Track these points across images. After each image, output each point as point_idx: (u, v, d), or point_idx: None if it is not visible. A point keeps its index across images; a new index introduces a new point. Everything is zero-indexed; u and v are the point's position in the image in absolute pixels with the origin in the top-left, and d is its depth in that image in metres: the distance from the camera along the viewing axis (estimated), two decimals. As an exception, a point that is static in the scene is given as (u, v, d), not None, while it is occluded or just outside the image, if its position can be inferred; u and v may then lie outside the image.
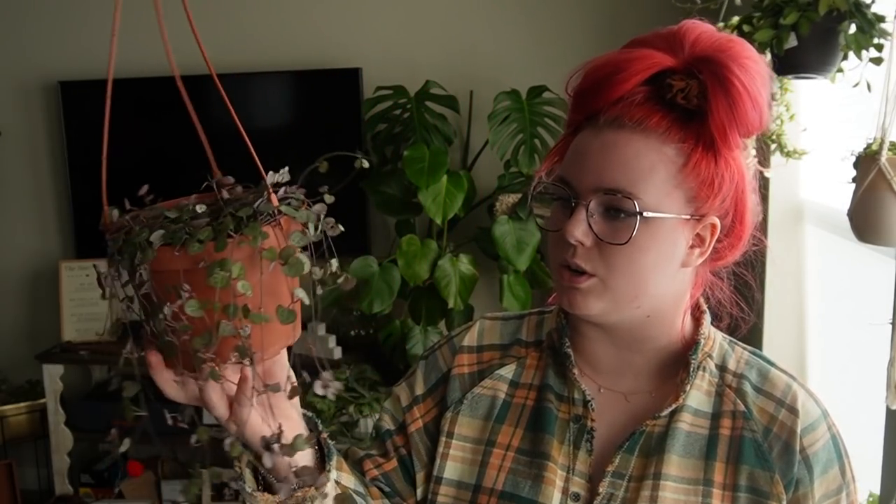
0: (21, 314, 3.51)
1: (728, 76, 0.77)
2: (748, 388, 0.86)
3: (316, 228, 0.69)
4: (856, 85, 1.49)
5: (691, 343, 0.87)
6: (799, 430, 0.83)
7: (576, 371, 0.87)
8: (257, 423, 0.73)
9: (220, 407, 0.73)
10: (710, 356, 0.87)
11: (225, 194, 0.71)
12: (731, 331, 0.93)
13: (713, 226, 0.82)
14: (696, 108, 0.79)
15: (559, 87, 3.11)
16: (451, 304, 2.72)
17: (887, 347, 1.43)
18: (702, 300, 0.90)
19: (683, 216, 0.80)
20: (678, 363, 0.87)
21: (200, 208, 0.68)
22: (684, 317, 0.88)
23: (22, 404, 3.19)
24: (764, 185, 2.55)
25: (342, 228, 0.71)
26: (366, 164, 0.78)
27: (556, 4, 2.98)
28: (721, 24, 2.09)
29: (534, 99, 2.78)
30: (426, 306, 2.81)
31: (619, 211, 0.78)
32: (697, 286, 0.88)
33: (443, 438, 0.90)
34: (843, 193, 1.49)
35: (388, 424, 0.95)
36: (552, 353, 0.90)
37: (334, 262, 0.69)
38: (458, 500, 0.88)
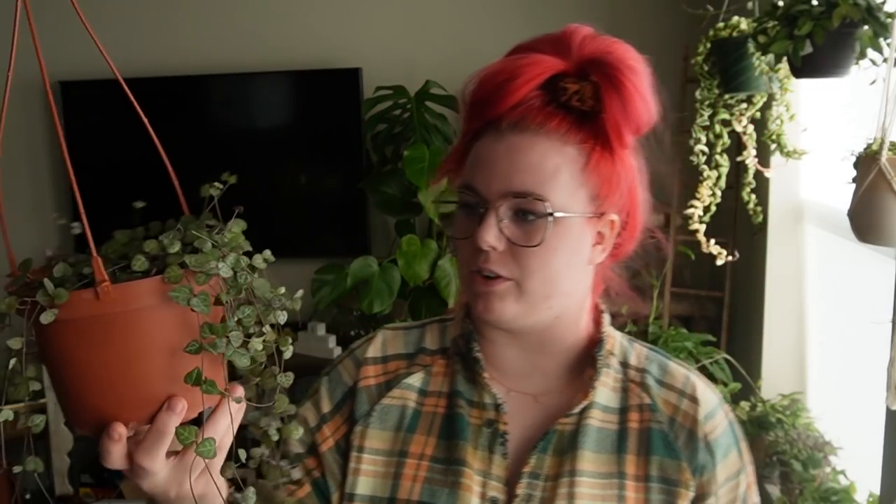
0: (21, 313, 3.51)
1: (619, 77, 0.81)
2: (651, 381, 0.89)
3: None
4: (873, 83, 1.49)
5: (595, 341, 0.90)
6: (700, 418, 0.87)
7: (486, 375, 0.88)
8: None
9: (113, 460, 0.68)
10: (612, 353, 0.90)
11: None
12: (629, 325, 0.95)
13: (612, 222, 0.86)
14: (590, 110, 0.82)
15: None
16: (451, 305, 2.72)
17: (887, 347, 1.43)
18: (599, 300, 0.94)
19: (587, 215, 0.83)
20: (583, 362, 0.89)
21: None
22: (588, 316, 0.91)
23: (22, 404, 3.19)
24: (764, 185, 2.57)
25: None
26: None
27: (556, 4, 2.98)
28: (721, 24, 2.09)
29: (534, 99, 2.78)
30: (426, 306, 2.81)
31: (529, 213, 0.80)
32: (598, 284, 0.91)
33: (353, 454, 0.88)
34: (843, 193, 1.49)
35: (297, 448, 0.91)
36: (460, 360, 0.90)
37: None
38: None
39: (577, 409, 0.86)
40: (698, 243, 2.25)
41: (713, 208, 2.26)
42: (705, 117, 2.21)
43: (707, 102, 2.20)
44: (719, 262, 2.24)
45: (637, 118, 0.83)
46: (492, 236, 0.79)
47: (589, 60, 0.82)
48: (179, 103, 3.20)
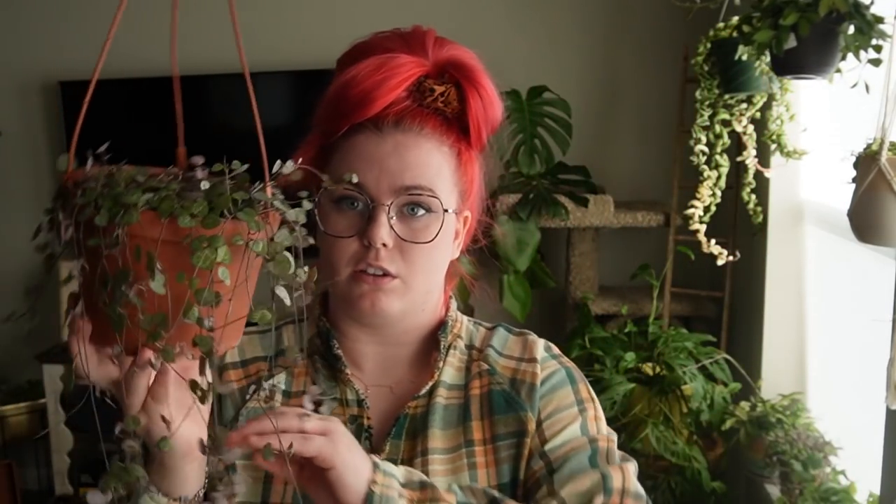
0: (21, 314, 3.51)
1: (479, 80, 0.85)
2: (491, 352, 0.92)
3: (291, 231, 0.67)
4: (854, 86, 1.49)
5: (439, 326, 0.92)
6: (539, 372, 0.89)
7: (348, 372, 0.88)
8: (188, 424, 0.71)
9: (139, 395, 0.72)
10: (459, 337, 0.93)
11: (200, 175, 0.70)
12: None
13: (466, 218, 0.90)
14: (452, 112, 0.85)
15: (559, 87, 3.11)
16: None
17: (887, 347, 1.43)
18: (450, 293, 0.96)
19: (457, 212, 0.87)
20: (430, 348, 0.92)
21: (190, 182, 0.67)
22: (441, 307, 0.93)
23: (22, 404, 3.19)
24: (764, 185, 2.57)
25: (312, 240, 0.69)
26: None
27: (556, 4, 2.98)
28: (721, 25, 2.09)
29: (534, 99, 2.77)
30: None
31: (418, 209, 0.82)
32: (450, 277, 0.94)
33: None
34: (843, 193, 1.49)
35: None
36: (319, 359, 0.90)
37: (314, 271, 0.67)
38: None
39: (423, 391, 0.88)
40: (698, 243, 2.25)
41: (713, 208, 2.27)
42: (705, 117, 2.21)
43: (707, 102, 2.20)
44: (719, 262, 2.24)
45: (494, 119, 0.87)
46: (385, 234, 0.80)
47: (447, 62, 0.84)
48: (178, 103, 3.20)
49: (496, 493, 0.81)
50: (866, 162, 1.37)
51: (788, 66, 1.64)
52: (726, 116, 2.20)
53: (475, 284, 0.98)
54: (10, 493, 3.04)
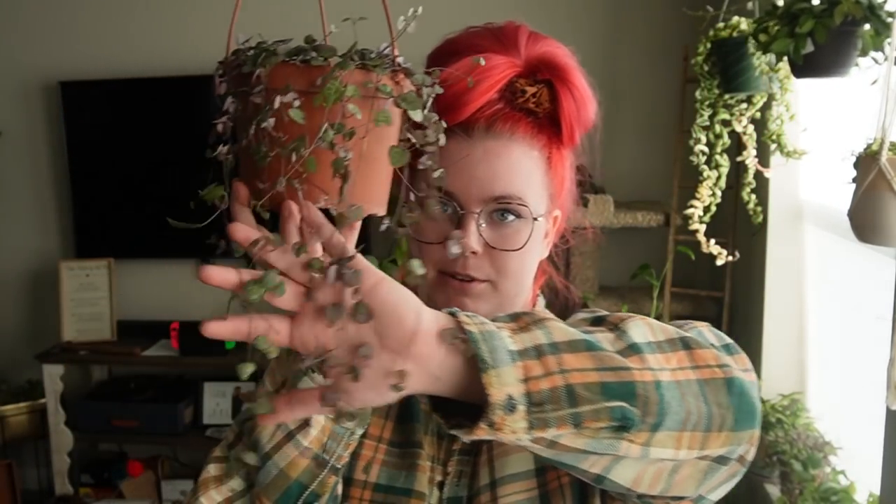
0: (21, 314, 3.51)
1: (571, 79, 0.83)
2: None
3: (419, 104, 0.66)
4: (874, 83, 1.49)
5: None
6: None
7: None
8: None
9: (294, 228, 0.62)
10: None
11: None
12: (564, 310, 0.97)
13: (556, 218, 0.89)
14: (544, 112, 0.83)
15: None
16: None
17: (887, 347, 1.43)
18: (538, 291, 0.95)
19: (547, 214, 0.85)
20: None
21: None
22: (529, 305, 0.93)
23: (22, 404, 3.19)
24: (764, 185, 2.56)
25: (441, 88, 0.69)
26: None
27: (556, 4, 2.98)
28: (721, 25, 2.09)
29: (534, 99, 2.78)
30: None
31: (507, 215, 0.81)
32: (539, 275, 0.93)
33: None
34: (843, 193, 1.49)
35: None
36: None
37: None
38: None
39: None
40: (698, 243, 2.25)
41: (713, 208, 2.26)
42: (705, 117, 2.21)
43: (707, 102, 2.20)
44: (719, 262, 2.24)
45: (587, 118, 0.85)
46: (474, 242, 0.80)
47: (538, 60, 0.83)
48: (179, 103, 3.20)
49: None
50: (866, 162, 1.37)
51: (807, 69, 1.64)
52: (726, 116, 2.20)
53: (566, 284, 0.96)
54: (10, 493, 3.04)
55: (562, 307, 0.97)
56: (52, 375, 3.10)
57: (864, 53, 1.53)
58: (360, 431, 0.76)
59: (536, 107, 0.82)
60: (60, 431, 3.11)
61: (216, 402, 3.22)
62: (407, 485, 0.84)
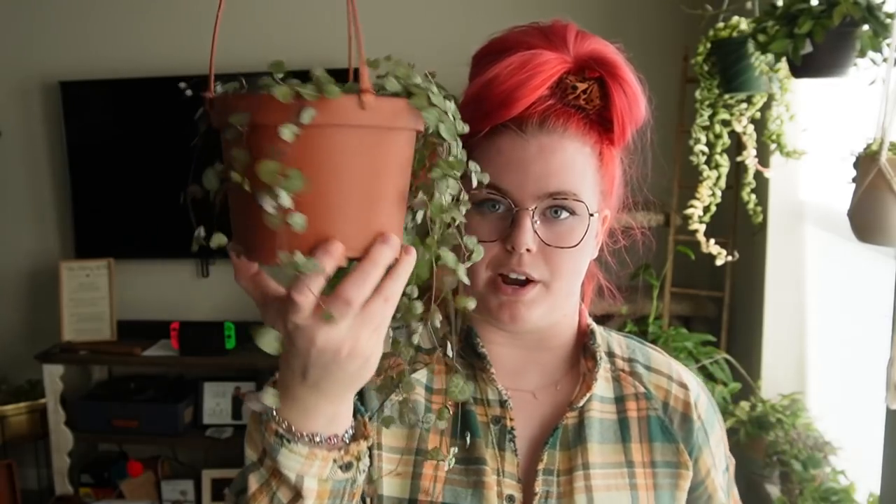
0: (21, 314, 3.51)
1: (622, 75, 0.81)
2: (641, 369, 0.91)
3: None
4: (872, 83, 1.49)
5: (584, 333, 0.91)
6: (691, 402, 0.90)
7: (493, 371, 0.86)
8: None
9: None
10: (599, 344, 0.91)
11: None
12: (629, 324, 0.97)
13: (605, 217, 0.87)
14: (594, 109, 0.82)
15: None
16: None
17: (887, 347, 1.43)
18: (590, 295, 0.96)
19: (598, 212, 0.84)
20: (576, 354, 0.91)
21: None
22: (582, 309, 0.92)
23: (22, 404, 3.19)
24: (764, 185, 2.56)
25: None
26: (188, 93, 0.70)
27: (556, 4, 2.98)
28: (721, 25, 2.09)
29: (534, 99, 2.78)
30: (426, 306, 2.80)
31: (562, 212, 0.80)
32: (589, 279, 0.93)
33: (374, 451, 0.84)
34: (843, 193, 1.49)
35: None
36: (457, 358, 0.88)
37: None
38: None
39: (581, 403, 0.86)
40: (698, 243, 2.25)
41: (713, 208, 2.26)
42: (705, 117, 2.20)
43: (707, 102, 2.20)
44: (719, 262, 2.24)
45: (639, 116, 0.84)
46: (529, 239, 0.78)
47: (589, 57, 0.81)
48: (179, 103, 3.20)
49: None
50: (866, 162, 1.36)
51: (805, 69, 1.64)
52: (726, 116, 2.20)
53: (611, 286, 0.96)
54: (10, 493, 3.04)
55: (606, 313, 0.98)
56: (52, 375, 3.10)
57: (862, 54, 1.53)
58: (361, 477, 0.69)
59: (587, 103, 0.81)
60: (60, 431, 3.11)
61: (216, 402, 3.22)
62: (474, 502, 0.82)
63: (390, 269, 0.59)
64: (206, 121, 0.61)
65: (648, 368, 0.91)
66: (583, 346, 0.91)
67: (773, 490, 2.08)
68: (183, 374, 3.33)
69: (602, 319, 2.78)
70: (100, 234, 3.32)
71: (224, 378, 3.23)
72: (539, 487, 0.83)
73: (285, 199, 0.54)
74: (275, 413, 0.64)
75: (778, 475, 2.07)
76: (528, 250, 0.79)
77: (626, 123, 0.83)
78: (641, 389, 0.89)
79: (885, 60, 1.48)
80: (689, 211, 2.24)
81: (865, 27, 1.51)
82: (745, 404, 2.22)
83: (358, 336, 0.59)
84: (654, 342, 2.37)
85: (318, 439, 0.64)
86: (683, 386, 0.91)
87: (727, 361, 2.34)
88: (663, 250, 2.65)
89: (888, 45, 1.45)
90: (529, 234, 0.78)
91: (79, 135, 3.24)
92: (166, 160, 3.20)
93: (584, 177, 0.81)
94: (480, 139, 0.80)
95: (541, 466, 0.84)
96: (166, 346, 3.17)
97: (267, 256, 0.57)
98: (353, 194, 0.56)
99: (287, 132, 0.54)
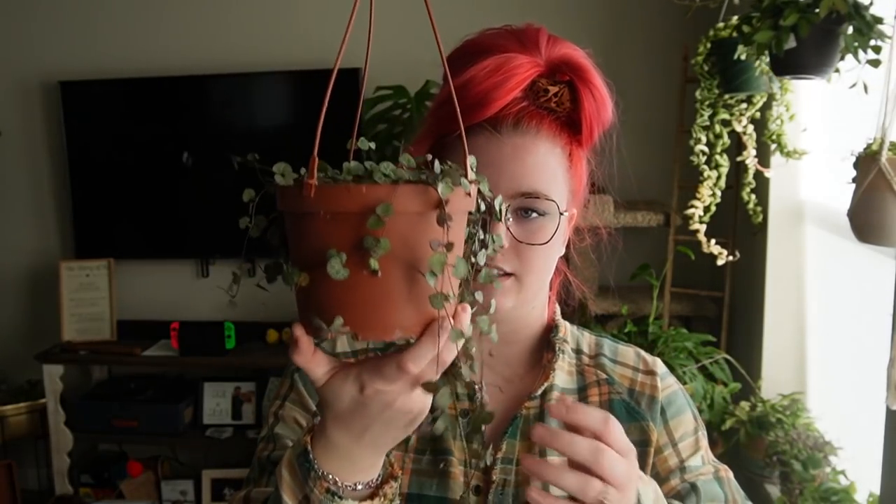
0: (21, 314, 3.51)
1: (591, 80, 0.85)
2: (605, 360, 0.94)
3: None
4: (853, 86, 1.49)
5: (550, 328, 0.95)
6: (658, 384, 0.92)
7: (460, 366, 0.87)
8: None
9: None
10: (565, 340, 0.95)
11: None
12: (580, 310, 0.98)
13: (572, 216, 0.91)
14: (564, 111, 0.85)
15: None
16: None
17: (887, 347, 1.43)
18: (556, 290, 0.98)
19: (567, 209, 0.87)
20: (541, 348, 0.94)
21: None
22: (548, 304, 0.95)
23: (22, 404, 3.19)
24: (764, 185, 2.56)
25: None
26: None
27: (556, 4, 2.98)
28: (721, 25, 2.09)
29: (534, 99, 2.78)
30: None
31: (533, 211, 0.83)
32: (556, 275, 0.96)
33: None
34: (843, 193, 1.49)
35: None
36: None
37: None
38: None
39: (538, 392, 0.89)
40: (698, 243, 2.25)
41: (713, 208, 2.26)
42: (705, 117, 2.21)
43: (707, 102, 2.20)
44: (719, 262, 2.24)
45: (606, 118, 0.87)
46: (503, 235, 0.81)
47: (560, 61, 0.84)
48: (179, 103, 3.20)
49: None
50: (866, 162, 1.37)
51: (788, 66, 1.64)
52: (726, 116, 2.20)
53: (578, 283, 0.99)
54: (10, 493, 3.05)
55: (576, 308, 0.99)
56: (52, 375, 3.10)
57: (845, 53, 1.53)
58: None
59: (558, 106, 0.84)
60: (60, 431, 3.11)
61: (216, 402, 3.22)
62: (439, 492, 0.85)
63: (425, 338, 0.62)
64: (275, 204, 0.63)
65: (614, 361, 0.94)
66: (546, 339, 0.94)
67: (773, 490, 2.08)
68: (183, 374, 3.33)
69: (603, 319, 2.79)
70: (100, 234, 3.32)
71: (224, 378, 3.23)
72: (497, 476, 0.86)
73: (444, 281, 0.58)
74: (317, 467, 0.67)
75: (778, 475, 2.07)
76: (500, 246, 0.80)
77: (594, 126, 0.86)
78: (604, 376, 0.92)
79: (870, 63, 1.48)
80: (689, 211, 2.24)
81: (850, 30, 1.50)
82: (745, 404, 2.22)
83: (423, 397, 0.64)
84: (654, 342, 2.38)
85: (359, 487, 0.68)
86: (650, 373, 0.93)
87: (727, 361, 2.34)
88: (663, 250, 2.65)
89: (877, 47, 1.45)
90: (502, 230, 0.81)
91: (79, 135, 3.24)
92: (166, 160, 3.20)
93: (556, 177, 0.84)
94: (454, 138, 0.83)
95: (499, 455, 0.87)
96: (166, 346, 3.17)
97: (384, 332, 0.60)
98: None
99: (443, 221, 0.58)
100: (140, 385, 3.26)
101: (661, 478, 0.89)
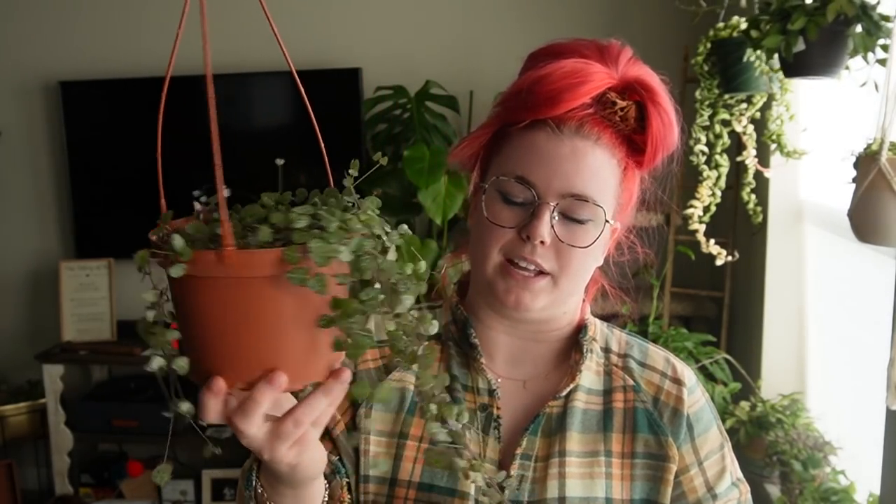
0: (21, 314, 3.51)
1: (662, 103, 0.87)
2: (633, 364, 0.94)
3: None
4: (863, 85, 1.49)
5: (579, 328, 0.95)
6: (684, 397, 0.91)
7: (483, 361, 0.91)
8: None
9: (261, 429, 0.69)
10: (594, 339, 0.95)
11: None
12: (629, 325, 0.99)
13: (615, 229, 0.91)
14: (627, 128, 0.87)
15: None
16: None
17: (887, 347, 1.43)
18: (592, 297, 0.99)
19: (613, 220, 0.89)
20: (569, 347, 0.94)
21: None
22: (584, 306, 0.96)
23: (22, 404, 3.19)
24: (764, 185, 2.56)
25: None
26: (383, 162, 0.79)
27: (556, 4, 2.98)
28: (721, 25, 2.09)
29: (534, 99, 2.77)
30: (426, 306, 2.80)
31: (580, 216, 0.84)
32: (592, 283, 0.96)
33: (361, 436, 0.90)
34: (843, 193, 1.49)
35: None
36: (454, 345, 0.94)
37: (452, 258, 0.68)
38: (377, 495, 0.89)
39: (564, 392, 0.90)
40: (698, 243, 2.25)
41: (713, 208, 2.26)
42: (705, 117, 2.21)
43: (707, 102, 2.20)
44: (719, 262, 2.24)
45: (671, 143, 0.89)
46: (545, 232, 0.82)
47: (635, 80, 0.86)
48: (179, 103, 3.20)
49: None
50: (866, 162, 1.37)
51: (797, 68, 1.65)
52: (726, 116, 2.20)
53: (616, 292, 1.00)
54: (10, 493, 3.04)
55: (610, 313, 1.01)
56: (52, 375, 3.10)
57: (854, 54, 1.53)
58: None
59: (623, 121, 0.86)
60: (60, 431, 3.11)
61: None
62: (450, 484, 0.87)
63: (315, 393, 0.66)
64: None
65: (642, 365, 0.94)
66: (575, 339, 0.94)
67: (773, 490, 2.08)
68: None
69: (603, 319, 2.78)
70: (100, 234, 3.32)
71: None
72: (514, 471, 0.87)
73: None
74: (260, 490, 0.76)
75: (778, 475, 2.07)
76: (542, 242, 0.83)
77: (659, 148, 0.88)
78: (630, 382, 0.92)
79: (879, 62, 1.48)
80: (689, 211, 2.24)
81: (858, 28, 1.51)
82: (745, 404, 2.22)
83: (274, 447, 0.68)
84: (654, 342, 2.38)
85: None
86: (677, 382, 0.92)
87: (727, 361, 2.34)
88: (663, 250, 2.65)
89: (885, 46, 1.45)
90: (547, 226, 0.83)
91: (79, 135, 3.24)
92: (166, 160, 3.20)
93: (607, 186, 0.86)
94: (518, 129, 0.86)
95: (519, 451, 0.88)
96: (166, 346, 3.17)
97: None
98: (230, 335, 0.63)
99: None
100: (140, 385, 3.25)
101: (688, 499, 0.89)
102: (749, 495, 0.93)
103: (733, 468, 0.93)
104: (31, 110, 3.35)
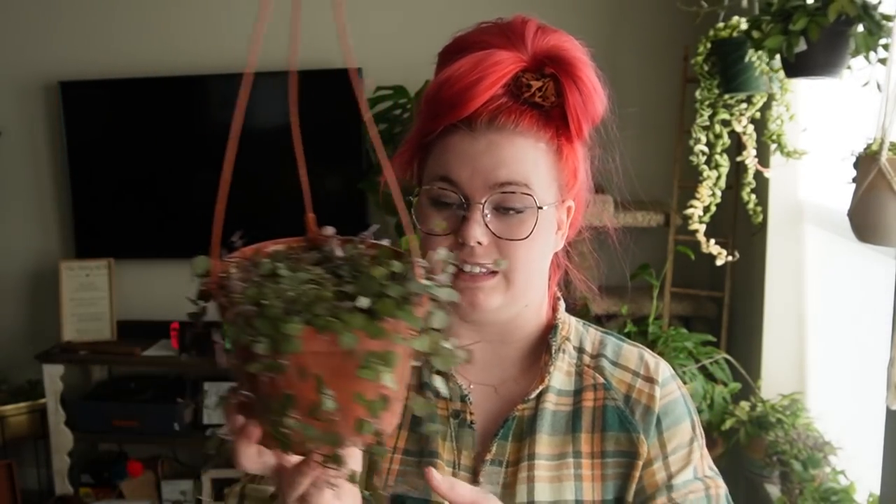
0: (21, 314, 3.51)
1: (576, 73, 0.83)
2: (605, 363, 0.91)
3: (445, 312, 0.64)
4: (865, 84, 1.49)
5: (549, 328, 0.92)
6: (657, 394, 0.89)
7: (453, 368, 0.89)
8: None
9: (300, 491, 0.68)
10: (567, 339, 0.93)
11: (337, 251, 0.69)
12: (584, 309, 0.96)
13: (570, 208, 0.89)
14: (551, 105, 0.83)
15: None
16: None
17: (887, 347, 1.43)
18: (555, 287, 0.96)
19: (556, 204, 0.86)
20: (540, 348, 0.92)
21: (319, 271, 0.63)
22: (547, 304, 0.93)
23: (22, 404, 3.19)
24: (764, 185, 2.56)
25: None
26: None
27: (556, 4, 2.98)
28: (721, 25, 2.09)
29: (534, 99, 2.77)
30: (426, 306, 2.80)
31: (512, 206, 0.81)
32: (554, 271, 0.94)
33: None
34: (843, 193, 1.49)
35: None
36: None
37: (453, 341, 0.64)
38: None
39: (533, 395, 0.88)
40: (698, 243, 2.25)
41: (713, 208, 2.26)
42: (705, 117, 2.21)
43: (707, 102, 2.20)
44: (719, 262, 2.24)
45: (594, 111, 0.85)
46: (479, 232, 0.80)
47: (545, 55, 0.83)
48: (179, 103, 3.20)
49: None
50: (866, 162, 1.36)
51: (799, 68, 1.64)
52: (726, 116, 2.20)
53: (582, 276, 0.97)
54: (10, 493, 3.05)
55: (575, 304, 0.99)
56: (52, 375, 3.10)
57: (856, 54, 1.53)
58: None
59: (543, 100, 0.83)
60: (60, 431, 3.11)
61: (216, 402, 3.22)
62: (425, 495, 0.84)
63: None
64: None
65: (615, 363, 0.91)
66: (545, 340, 0.92)
67: (773, 490, 2.08)
68: (183, 374, 3.33)
69: (603, 319, 2.79)
70: (100, 234, 3.32)
71: (224, 378, 3.23)
72: (483, 477, 0.86)
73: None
74: None
75: (778, 475, 2.07)
76: (479, 243, 0.81)
77: (581, 120, 0.84)
78: (601, 381, 0.90)
79: (881, 61, 1.48)
80: (689, 211, 2.24)
81: (860, 27, 1.51)
82: (745, 404, 2.22)
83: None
84: (654, 342, 2.39)
85: None
86: (650, 380, 0.89)
87: (727, 361, 2.34)
88: (663, 250, 2.65)
89: (889, 44, 1.45)
90: (479, 227, 0.80)
91: (79, 135, 3.24)
92: (166, 160, 3.20)
93: (536, 169, 0.82)
94: (435, 138, 0.84)
95: (488, 457, 0.86)
96: (166, 346, 3.17)
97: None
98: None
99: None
100: (140, 385, 3.26)
101: (646, 493, 0.86)
102: (721, 491, 0.88)
103: (701, 464, 0.89)
104: (31, 110, 3.35)
